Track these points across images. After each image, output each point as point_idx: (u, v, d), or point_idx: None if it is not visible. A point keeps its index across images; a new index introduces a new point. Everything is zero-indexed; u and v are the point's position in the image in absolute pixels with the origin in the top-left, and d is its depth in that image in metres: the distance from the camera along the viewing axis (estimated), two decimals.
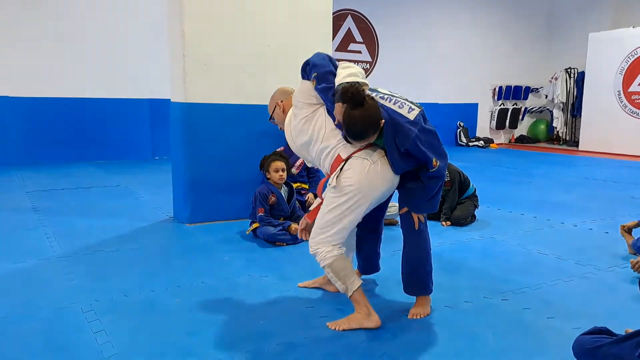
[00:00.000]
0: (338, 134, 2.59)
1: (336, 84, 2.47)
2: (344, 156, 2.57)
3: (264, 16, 4.75)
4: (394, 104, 2.52)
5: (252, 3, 4.68)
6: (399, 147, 2.50)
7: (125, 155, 9.44)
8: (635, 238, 3.82)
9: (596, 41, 11.66)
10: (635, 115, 11.00)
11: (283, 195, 4.31)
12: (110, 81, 9.17)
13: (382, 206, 3.02)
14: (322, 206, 2.66)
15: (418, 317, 2.71)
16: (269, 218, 4.16)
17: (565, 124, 13.22)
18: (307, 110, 2.66)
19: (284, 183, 4.32)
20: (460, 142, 12.99)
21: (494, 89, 13.55)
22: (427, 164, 2.53)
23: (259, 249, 3.99)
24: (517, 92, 13.71)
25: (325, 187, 2.70)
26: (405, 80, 11.66)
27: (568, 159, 10.56)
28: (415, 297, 2.79)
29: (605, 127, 11.44)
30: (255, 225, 4.24)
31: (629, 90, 11.08)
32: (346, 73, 2.47)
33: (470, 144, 12.90)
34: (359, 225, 2.86)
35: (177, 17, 4.50)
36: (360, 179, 2.52)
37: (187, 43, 4.47)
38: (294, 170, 4.81)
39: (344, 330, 2.54)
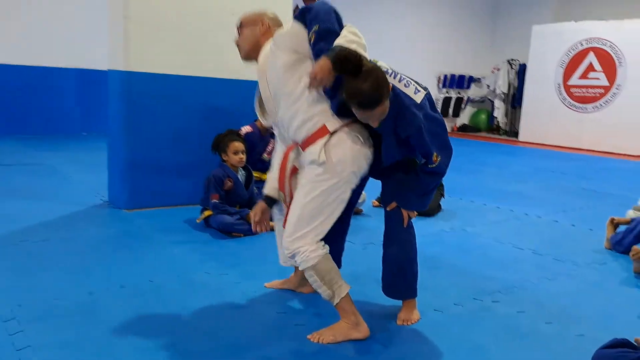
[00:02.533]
0: (325, 102, 2.16)
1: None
2: (330, 128, 2.14)
3: None
4: (399, 81, 2.13)
5: None
6: (400, 132, 2.12)
7: (49, 130, 8.53)
8: (616, 232, 3.69)
9: (539, 34, 11.82)
10: (574, 108, 11.27)
11: (240, 179, 3.86)
12: (33, 46, 8.22)
13: (357, 192, 2.66)
14: (300, 190, 2.21)
15: (408, 323, 2.37)
16: (224, 205, 3.70)
17: (506, 114, 13.43)
18: (292, 57, 2.15)
19: (241, 167, 3.87)
20: None
21: (439, 78, 13.53)
22: (427, 158, 2.18)
23: (214, 240, 3.53)
24: (461, 81, 13.76)
25: (295, 162, 2.29)
26: None
27: (510, 149, 10.68)
28: (400, 300, 2.46)
29: (544, 119, 11.66)
30: (207, 213, 3.77)
31: (569, 83, 11.32)
32: (349, 39, 2.02)
33: None
34: None
35: None
36: (353, 158, 2.14)
37: (131, 1, 3.88)
38: (265, 157, 4.34)
39: (328, 343, 2.16)
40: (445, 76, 13.54)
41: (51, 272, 2.80)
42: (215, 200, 3.69)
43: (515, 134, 12.76)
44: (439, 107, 13.45)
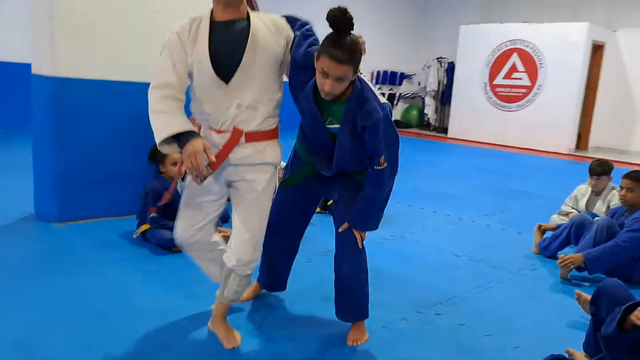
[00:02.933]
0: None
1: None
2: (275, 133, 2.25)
3: None
4: (368, 81, 2.21)
5: None
6: (358, 123, 2.13)
7: None
8: (543, 238, 3.91)
9: (466, 34, 12.27)
10: (499, 107, 11.81)
11: (179, 191, 3.75)
12: None
13: (309, 213, 2.68)
14: (263, 194, 2.21)
15: (358, 344, 2.41)
16: (163, 220, 3.59)
17: (436, 111, 13.86)
18: (286, 54, 2.23)
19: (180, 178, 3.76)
20: None
21: (372, 73, 13.74)
22: (374, 157, 2.18)
23: (153, 257, 3.42)
24: (393, 78, 14.04)
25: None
26: None
27: (439, 146, 11.06)
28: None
29: (472, 116, 12.14)
30: (144, 227, 3.64)
31: (494, 82, 11.85)
32: None
33: None
34: (277, 229, 2.49)
35: None
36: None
37: (55, 3, 3.65)
38: None
39: None
40: (379, 72, 13.76)
41: None
42: (153, 215, 3.57)
43: (444, 130, 13.20)
44: None
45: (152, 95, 2.06)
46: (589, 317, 2.72)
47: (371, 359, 2.31)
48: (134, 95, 4.08)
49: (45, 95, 3.82)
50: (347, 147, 2.20)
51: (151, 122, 2.07)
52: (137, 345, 2.29)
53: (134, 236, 3.67)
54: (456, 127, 12.54)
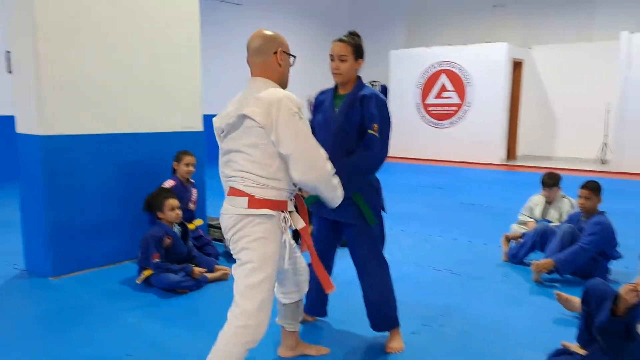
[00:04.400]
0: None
1: None
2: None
3: (129, 37, 4.23)
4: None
5: (113, 20, 4.12)
6: (357, 98, 2.61)
7: None
8: (510, 247, 4.37)
9: (396, 57, 13.02)
10: (432, 124, 12.58)
11: (177, 235, 3.90)
12: None
13: (337, 237, 2.92)
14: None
15: (398, 351, 2.74)
16: (166, 264, 3.72)
17: None
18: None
19: (177, 222, 3.91)
20: None
21: (310, 101, 14.14)
22: (370, 121, 2.56)
23: (163, 300, 3.54)
24: None
25: None
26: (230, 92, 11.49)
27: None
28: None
29: (408, 135, 12.81)
30: (147, 272, 3.75)
31: (426, 102, 12.62)
32: None
33: None
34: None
35: (27, 33, 3.73)
36: None
37: (43, 66, 3.75)
38: (191, 206, 4.38)
39: None
40: (316, 100, 14.20)
41: None
42: (157, 260, 3.69)
43: None
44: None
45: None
46: (570, 313, 3.19)
47: None
48: (117, 145, 4.23)
49: (33, 153, 3.87)
50: (341, 117, 2.61)
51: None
52: None
53: (138, 282, 3.77)
54: (395, 146, 13.11)
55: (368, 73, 15.05)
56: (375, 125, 2.55)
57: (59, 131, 3.88)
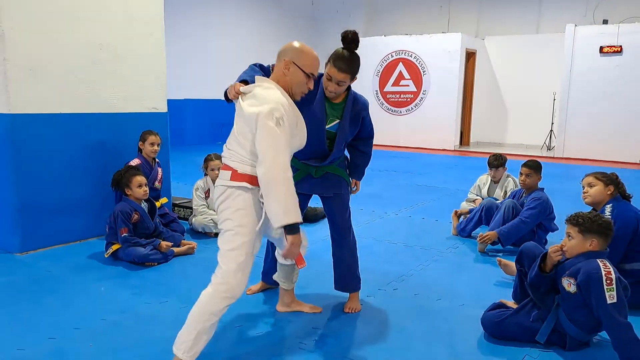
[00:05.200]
0: None
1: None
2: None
3: (94, 18, 4.31)
4: None
5: (79, 2, 4.20)
6: (357, 110, 2.85)
7: None
8: (460, 221, 4.71)
9: None
10: (391, 112, 12.93)
11: (145, 211, 4.04)
12: None
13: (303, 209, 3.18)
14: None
15: (355, 311, 3.05)
16: (134, 238, 3.87)
17: None
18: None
19: (144, 199, 4.05)
20: None
21: None
22: (370, 135, 3.04)
23: (131, 272, 3.69)
24: None
25: None
26: (188, 76, 11.52)
27: None
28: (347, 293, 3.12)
29: None
30: (115, 247, 3.89)
31: (385, 90, 12.96)
32: None
33: None
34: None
35: None
36: None
37: (8, 45, 3.80)
38: (157, 185, 4.51)
39: None
40: None
41: None
42: (125, 234, 3.83)
43: None
44: None
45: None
46: (509, 277, 3.52)
47: (365, 322, 2.92)
48: (84, 125, 4.32)
49: (2, 131, 3.92)
50: (346, 132, 2.86)
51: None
52: (156, 345, 2.63)
53: (106, 256, 3.91)
54: None
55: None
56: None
57: (25, 110, 3.94)
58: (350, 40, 2.66)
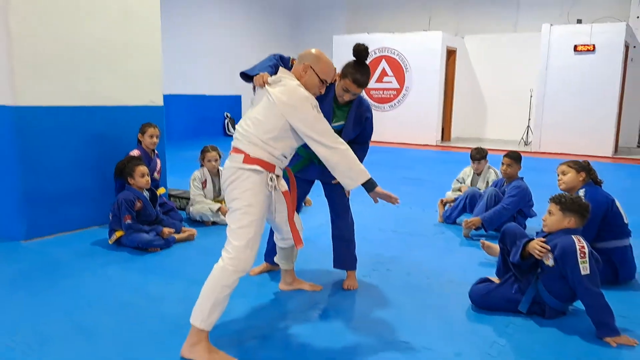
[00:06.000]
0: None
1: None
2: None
3: (96, 14, 4.47)
4: None
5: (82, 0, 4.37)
6: (362, 114, 3.10)
7: None
8: (445, 209, 4.98)
9: (339, 43, 13.49)
10: (375, 108, 13.14)
11: (148, 199, 4.22)
12: None
13: (306, 192, 3.49)
14: None
15: (352, 288, 3.28)
16: (137, 225, 4.04)
17: None
18: None
19: (147, 188, 4.23)
20: (228, 133, 13.54)
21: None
22: (370, 135, 3.26)
23: (136, 257, 3.87)
24: None
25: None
26: (170, 72, 11.62)
27: None
28: (345, 270, 3.37)
29: None
30: (119, 233, 4.06)
31: (369, 86, 13.20)
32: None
33: None
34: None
35: (0, 13, 3.91)
36: None
37: (15, 40, 3.95)
38: (156, 175, 4.68)
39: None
40: None
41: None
42: (129, 221, 4.01)
43: None
44: None
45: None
46: (492, 258, 3.79)
47: (362, 298, 3.17)
48: (86, 117, 4.48)
49: (6, 122, 4.06)
50: (350, 133, 3.11)
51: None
52: (169, 320, 2.83)
53: (110, 242, 4.08)
54: None
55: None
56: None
57: (30, 103, 4.09)
58: (364, 54, 2.88)
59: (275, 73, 2.69)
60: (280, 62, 2.85)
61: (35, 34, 4.07)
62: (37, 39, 4.09)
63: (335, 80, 2.99)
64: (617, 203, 3.44)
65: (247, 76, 2.70)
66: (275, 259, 3.26)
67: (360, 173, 2.61)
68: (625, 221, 3.43)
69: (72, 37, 4.32)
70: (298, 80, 2.60)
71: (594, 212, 3.24)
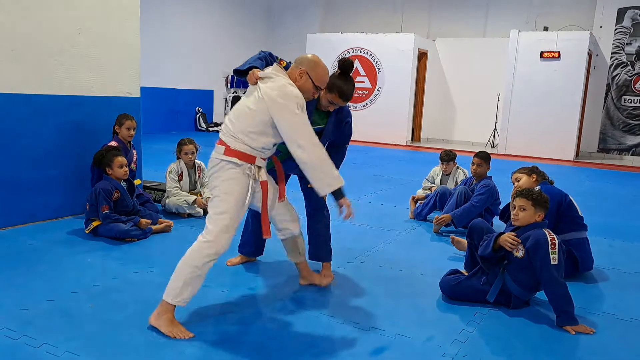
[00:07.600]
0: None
1: None
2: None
3: (74, 2, 4.46)
4: None
5: None
6: (342, 118, 3.17)
7: None
8: (416, 206, 5.15)
9: (313, 41, 13.62)
10: (353, 108, 13.34)
11: (125, 190, 4.24)
12: None
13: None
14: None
15: (328, 279, 3.37)
16: (115, 215, 4.07)
17: None
18: None
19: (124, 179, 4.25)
20: (200, 127, 13.49)
21: (227, 78, 14.44)
22: (348, 138, 3.33)
23: (114, 247, 3.90)
24: (246, 82, 14.84)
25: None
26: (142, 65, 11.51)
27: None
28: (320, 262, 3.46)
29: None
30: (96, 223, 4.08)
31: None
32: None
33: (210, 129, 13.54)
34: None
35: None
36: None
37: None
38: (133, 167, 4.69)
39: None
40: (232, 76, 14.51)
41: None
42: (106, 211, 4.03)
43: None
44: (228, 105, 14.39)
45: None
46: (461, 252, 3.96)
47: (338, 287, 3.29)
48: (61, 107, 4.47)
49: None
50: (329, 136, 3.18)
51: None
52: (150, 304, 2.86)
53: (86, 232, 4.09)
54: None
55: (286, 55, 15.48)
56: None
57: (5, 90, 4.06)
58: (349, 68, 2.95)
59: (265, 66, 2.79)
60: (270, 58, 2.94)
61: (12, 20, 4.04)
62: (14, 25, 4.06)
63: None
64: (571, 198, 3.68)
65: (239, 73, 2.79)
66: (287, 257, 3.28)
67: (334, 179, 2.69)
68: (580, 214, 3.67)
69: (50, 25, 4.30)
70: (294, 82, 2.68)
71: (550, 204, 3.44)
